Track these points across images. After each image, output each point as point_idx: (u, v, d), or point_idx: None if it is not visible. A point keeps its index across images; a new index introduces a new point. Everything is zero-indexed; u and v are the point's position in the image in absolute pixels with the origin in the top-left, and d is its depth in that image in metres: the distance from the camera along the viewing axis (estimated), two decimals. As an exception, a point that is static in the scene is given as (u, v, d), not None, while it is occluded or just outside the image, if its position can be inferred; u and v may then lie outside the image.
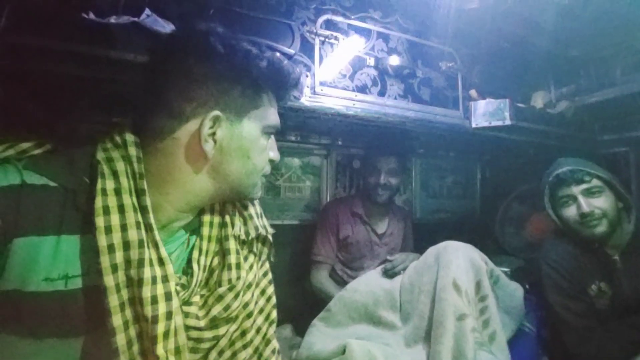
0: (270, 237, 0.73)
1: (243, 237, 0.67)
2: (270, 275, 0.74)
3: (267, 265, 0.74)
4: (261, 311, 0.69)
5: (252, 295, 0.66)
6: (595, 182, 1.08)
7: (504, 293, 1.20)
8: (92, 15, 0.82)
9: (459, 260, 1.12)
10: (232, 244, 0.64)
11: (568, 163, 1.14)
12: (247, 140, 0.59)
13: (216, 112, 0.55)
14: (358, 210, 1.54)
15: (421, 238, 1.69)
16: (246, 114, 0.59)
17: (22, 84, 0.93)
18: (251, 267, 0.67)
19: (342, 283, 1.41)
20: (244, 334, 0.64)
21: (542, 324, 1.28)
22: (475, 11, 1.30)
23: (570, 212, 1.11)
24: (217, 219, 0.65)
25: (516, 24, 1.38)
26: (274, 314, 0.72)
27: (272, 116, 0.63)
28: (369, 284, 1.23)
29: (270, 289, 0.73)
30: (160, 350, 0.49)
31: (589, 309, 1.09)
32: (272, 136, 0.65)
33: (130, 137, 0.55)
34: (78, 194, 0.50)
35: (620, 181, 1.10)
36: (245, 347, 0.64)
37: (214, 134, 0.56)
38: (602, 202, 1.06)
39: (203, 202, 0.61)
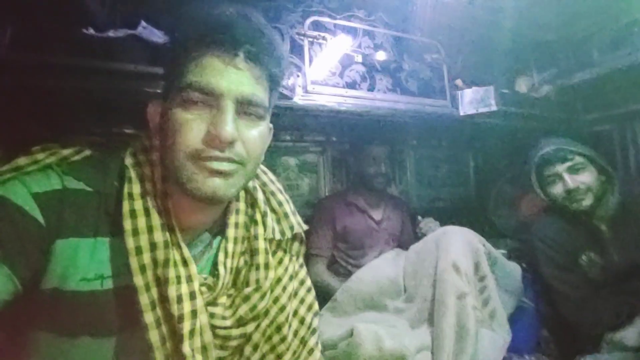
0: (302, 234, 0.70)
1: (278, 237, 0.65)
2: (305, 268, 0.73)
3: (300, 259, 0.72)
4: (302, 301, 0.69)
5: (284, 289, 0.65)
6: (578, 159, 1.14)
7: (502, 273, 1.25)
8: (91, 30, 0.87)
9: (458, 243, 1.17)
10: (261, 244, 0.62)
11: (551, 143, 1.20)
12: (165, 115, 0.52)
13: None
14: (353, 200, 1.58)
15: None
16: (169, 84, 0.53)
17: (25, 98, 0.96)
18: (280, 261, 0.66)
19: (347, 274, 1.44)
20: (279, 328, 0.63)
21: (540, 298, 1.34)
22: (453, 3, 1.36)
23: (557, 189, 1.17)
24: (242, 219, 0.62)
25: (494, 12, 1.44)
26: (316, 305, 0.71)
27: (189, 76, 0.49)
28: (373, 273, 1.27)
29: (309, 281, 0.72)
30: (186, 348, 0.49)
31: (582, 279, 1.15)
32: (224, 105, 0.49)
33: (155, 142, 0.55)
34: (109, 199, 0.52)
35: (602, 156, 1.16)
36: (282, 340, 0.63)
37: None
38: (586, 178, 1.12)
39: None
